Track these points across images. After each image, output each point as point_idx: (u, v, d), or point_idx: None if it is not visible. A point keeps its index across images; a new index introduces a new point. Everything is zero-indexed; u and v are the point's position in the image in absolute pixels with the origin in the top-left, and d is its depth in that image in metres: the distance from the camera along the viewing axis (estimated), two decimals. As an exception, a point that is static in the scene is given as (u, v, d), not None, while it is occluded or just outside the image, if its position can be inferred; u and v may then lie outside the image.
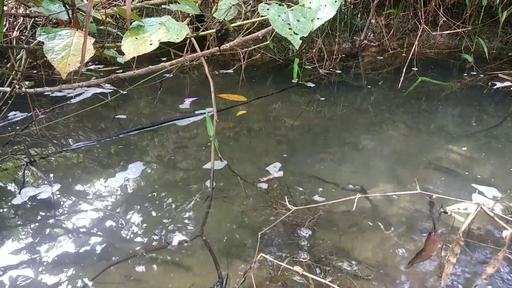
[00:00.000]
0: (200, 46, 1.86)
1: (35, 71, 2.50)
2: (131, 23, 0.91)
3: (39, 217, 1.47)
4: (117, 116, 2.23)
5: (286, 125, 2.09)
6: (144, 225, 1.42)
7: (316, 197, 1.52)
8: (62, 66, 0.84)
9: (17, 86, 1.45)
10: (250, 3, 2.51)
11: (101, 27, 1.15)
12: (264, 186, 1.59)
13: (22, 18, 2.53)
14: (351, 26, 3.32)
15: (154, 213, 1.48)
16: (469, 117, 2.17)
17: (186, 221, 1.44)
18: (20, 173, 1.71)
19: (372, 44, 3.32)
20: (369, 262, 1.23)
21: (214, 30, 1.04)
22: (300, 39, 0.87)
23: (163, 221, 1.44)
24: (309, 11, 0.92)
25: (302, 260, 1.23)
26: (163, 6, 1.22)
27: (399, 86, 2.48)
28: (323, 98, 2.43)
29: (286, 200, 1.03)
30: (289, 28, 0.88)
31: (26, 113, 2.26)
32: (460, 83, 2.59)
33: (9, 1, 2.50)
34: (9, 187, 1.65)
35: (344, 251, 1.27)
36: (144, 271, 1.23)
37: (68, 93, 2.54)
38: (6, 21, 2.46)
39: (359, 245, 1.30)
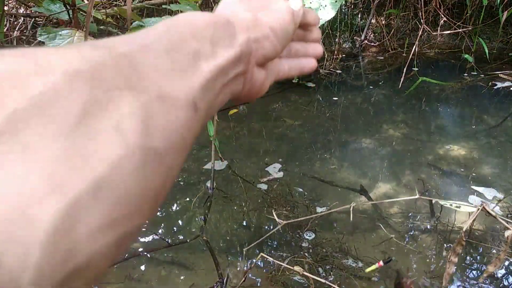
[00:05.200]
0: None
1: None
2: (131, 23, 0.91)
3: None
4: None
5: (286, 125, 2.09)
6: (145, 225, 1.42)
7: (316, 198, 1.52)
8: (62, 66, 0.84)
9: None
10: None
11: (102, 27, 1.15)
12: (264, 186, 1.59)
13: (22, 18, 2.54)
14: (351, 26, 3.32)
15: (154, 213, 1.48)
16: (469, 117, 2.17)
17: (187, 220, 1.44)
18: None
19: (372, 44, 3.32)
20: (371, 262, 1.23)
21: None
22: (301, 39, 0.87)
23: (163, 220, 1.44)
24: (310, 11, 0.92)
25: (302, 259, 1.23)
26: (163, 6, 1.22)
27: (400, 86, 2.48)
28: (323, 98, 2.43)
29: (274, 214, 1.01)
30: (290, 28, 0.88)
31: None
32: (460, 83, 2.59)
33: (10, 1, 2.50)
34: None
35: (345, 251, 1.27)
36: (144, 271, 1.23)
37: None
38: (6, 21, 2.46)
39: (360, 245, 1.30)
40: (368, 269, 1.04)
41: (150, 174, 0.16)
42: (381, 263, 1.02)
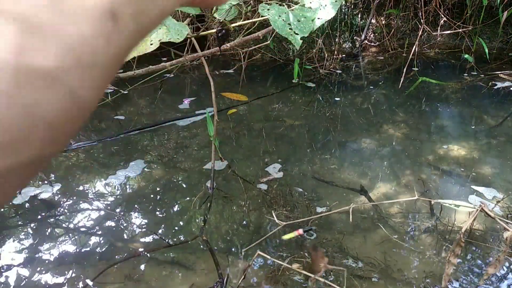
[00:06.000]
0: (201, 46, 1.85)
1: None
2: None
3: (39, 217, 1.47)
4: (117, 117, 2.23)
5: (286, 125, 2.09)
6: (145, 225, 1.42)
7: (316, 198, 1.52)
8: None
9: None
10: (251, 3, 2.50)
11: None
12: (264, 187, 1.59)
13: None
14: (351, 26, 3.31)
15: (154, 213, 1.48)
16: (469, 117, 2.17)
17: (187, 221, 1.44)
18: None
19: (372, 44, 3.32)
20: (371, 261, 1.23)
21: (214, 30, 1.04)
22: (301, 39, 0.87)
23: (163, 221, 1.44)
24: (310, 11, 0.92)
25: (302, 259, 1.23)
26: None
27: (400, 86, 2.48)
28: (323, 98, 2.43)
29: (274, 215, 1.00)
30: (290, 28, 0.88)
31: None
32: (460, 83, 2.59)
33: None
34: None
35: (345, 251, 1.27)
36: (144, 271, 1.23)
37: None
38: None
39: (360, 245, 1.30)
40: (286, 236, 1.01)
41: (36, 98, 0.13)
42: (301, 231, 1.00)
